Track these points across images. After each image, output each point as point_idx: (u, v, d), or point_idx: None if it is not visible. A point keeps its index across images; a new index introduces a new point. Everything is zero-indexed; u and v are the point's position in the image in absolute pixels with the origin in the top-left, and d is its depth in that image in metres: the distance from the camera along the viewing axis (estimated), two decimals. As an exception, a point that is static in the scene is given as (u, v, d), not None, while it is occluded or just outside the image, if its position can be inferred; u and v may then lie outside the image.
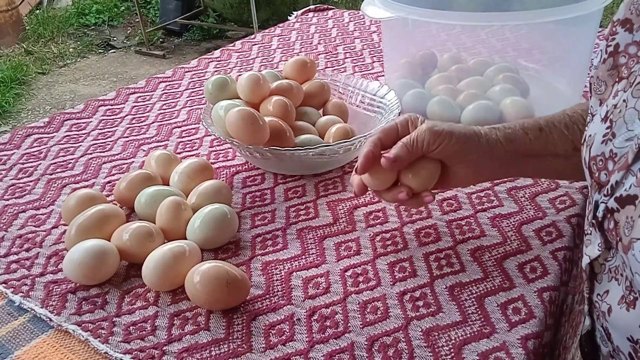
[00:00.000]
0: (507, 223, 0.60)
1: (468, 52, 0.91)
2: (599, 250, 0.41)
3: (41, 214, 0.64)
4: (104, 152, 0.77)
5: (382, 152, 0.53)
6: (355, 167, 0.54)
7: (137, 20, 4.12)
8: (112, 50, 4.06)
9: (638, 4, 0.40)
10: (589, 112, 0.45)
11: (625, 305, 0.38)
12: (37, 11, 4.49)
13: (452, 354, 0.45)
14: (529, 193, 0.64)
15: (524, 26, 0.79)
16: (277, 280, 0.53)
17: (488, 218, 0.61)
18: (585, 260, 0.43)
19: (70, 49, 4.02)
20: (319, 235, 0.59)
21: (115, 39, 4.24)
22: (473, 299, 0.50)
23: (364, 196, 0.65)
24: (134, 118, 0.87)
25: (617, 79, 0.41)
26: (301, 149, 0.63)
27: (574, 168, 0.54)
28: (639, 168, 0.35)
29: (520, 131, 0.54)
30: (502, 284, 0.52)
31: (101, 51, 4.04)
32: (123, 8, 4.64)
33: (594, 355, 0.47)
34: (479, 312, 0.49)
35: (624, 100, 0.38)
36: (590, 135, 0.42)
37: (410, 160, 0.53)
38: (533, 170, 0.56)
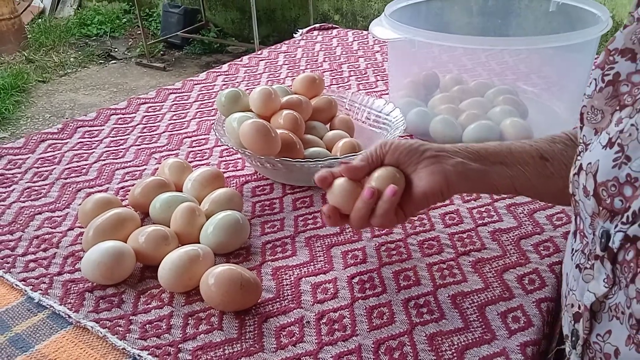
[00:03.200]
0: (507, 237, 0.62)
1: (468, 74, 0.94)
2: (605, 287, 0.39)
3: (57, 216, 0.66)
4: (116, 159, 0.79)
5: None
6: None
7: (139, 32, 4.17)
8: (113, 61, 4.09)
9: (639, 34, 0.40)
10: (580, 141, 0.44)
11: (635, 347, 0.36)
12: (40, 20, 4.53)
13: (455, 358, 0.47)
14: (528, 209, 0.67)
15: (523, 51, 0.83)
16: (286, 285, 0.55)
17: (488, 232, 0.63)
18: (589, 299, 0.40)
19: (71, 59, 4.05)
20: (326, 243, 0.61)
21: (116, 50, 4.28)
22: (474, 307, 0.52)
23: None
24: (145, 127, 0.89)
25: (617, 107, 0.41)
26: (311, 161, 0.66)
27: (547, 176, 0.55)
28: None
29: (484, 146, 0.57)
30: (502, 294, 0.54)
31: (102, 61, 4.08)
32: (125, 20, 4.69)
33: None
34: (480, 320, 0.51)
35: (633, 125, 0.37)
36: (590, 163, 0.40)
37: (369, 168, 0.55)
38: (502, 179, 0.55)
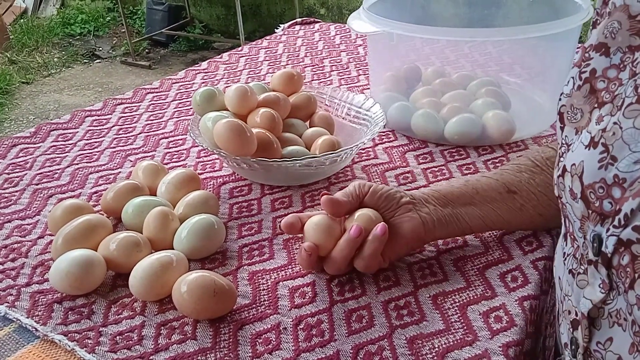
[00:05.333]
0: (489, 233, 0.61)
1: (451, 66, 0.93)
2: (602, 293, 0.37)
3: (27, 224, 0.64)
4: (90, 162, 0.77)
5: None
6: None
7: (123, 30, 4.12)
8: (98, 60, 4.05)
9: (612, 27, 0.40)
10: (562, 142, 0.43)
11: (639, 355, 0.35)
12: (22, 20, 4.46)
13: (436, 362, 0.46)
14: (511, 204, 0.66)
15: (506, 41, 0.81)
16: (263, 289, 0.54)
17: (471, 228, 0.62)
18: (585, 306, 0.39)
19: (55, 59, 3.99)
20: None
21: (100, 49, 4.23)
22: (456, 308, 0.51)
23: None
24: (121, 129, 0.87)
25: (596, 105, 0.40)
26: (288, 160, 0.64)
27: (518, 208, 0.56)
28: None
29: (449, 186, 0.58)
30: (484, 292, 0.53)
31: (86, 61, 4.03)
32: (109, 18, 4.64)
33: None
34: (462, 321, 0.50)
35: (615, 123, 0.36)
36: (575, 165, 0.39)
37: (350, 206, 0.54)
38: (473, 219, 0.56)
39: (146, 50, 4.17)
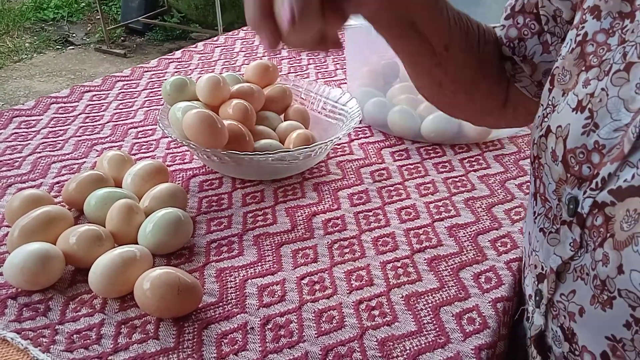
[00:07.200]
0: (464, 233, 0.60)
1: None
2: (572, 251, 0.39)
3: (-17, 215, 0.60)
4: (53, 151, 0.74)
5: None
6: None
7: (98, 17, 4.01)
8: (71, 47, 3.94)
9: None
10: (548, 103, 0.43)
11: (600, 305, 0.37)
12: (-8, 3, 4.32)
13: (407, 365, 0.44)
14: (486, 204, 0.65)
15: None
16: (231, 287, 0.52)
17: (445, 227, 0.61)
18: (555, 262, 0.41)
19: (26, 44, 3.88)
20: (276, 242, 0.58)
21: (74, 35, 4.12)
22: (429, 309, 0.50)
23: (323, 203, 0.64)
24: (88, 117, 0.84)
25: (583, 68, 0.40)
26: (260, 154, 0.62)
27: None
28: (639, 159, 0.33)
29: None
30: (457, 293, 0.52)
31: (59, 47, 3.92)
32: (83, 4, 4.52)
33: (543, 356, 0.46)
34: (434, 322, 0.48)
35: (603, 89, 0.37)
36: (560, 127, 0.40)
37: None
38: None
39: (121, 38, 4.08)
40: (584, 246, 0.38)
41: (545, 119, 0.43)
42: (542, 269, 0.44)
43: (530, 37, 0.51)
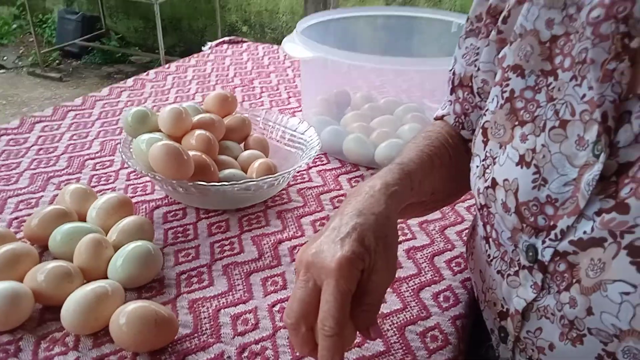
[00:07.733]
0: (421, 255, 0.64)
1: (377, 91, 0.97)
2: (534, 293, 0.41)
3: (-63, 254, 0.58)
4: (8, 185, 0.72)
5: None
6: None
7: (31, 39, 3.87)
8: (2, 71, 3.77)
9: (525, 50, 0.43)
10: (486, 154, 0.46)
11: (570, 342, 0.39)
12: None
13: (379, 383, 0.47)
14: (439, 226, 0.69)
15: (428, 70, 0.86)
16: (205, 318, 0.53)
17: (404, 250, 0.65)
18: (520, 304, 0.43)
19: (-48, 67, 3.68)
20: (245, 270, 0.59)
21: (5, 58, 3.95)
22: (395, 329, 0.53)
23: (287, 230, 0.66)
24: (41, 149, 0.82)
25: (516, 122, 0.43)
26: (227, 184, 0.64)
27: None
28: (595, 212, 0.36)
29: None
30: (419, 313, 0.55)
31: (-11, 71, 3.74)
32: (15, 26, 4.35)
33: None
34: (401, 342, 0.52)
35: (543, 145, 0.40)
36: (508, 180, 0.42)
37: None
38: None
39: (57, 62, 3.94)
40: (545, 288, 0.41)
41: (488, 171, 0.45)
42: (502, 306, 0.46)
43: (471, 110, 0.55)
